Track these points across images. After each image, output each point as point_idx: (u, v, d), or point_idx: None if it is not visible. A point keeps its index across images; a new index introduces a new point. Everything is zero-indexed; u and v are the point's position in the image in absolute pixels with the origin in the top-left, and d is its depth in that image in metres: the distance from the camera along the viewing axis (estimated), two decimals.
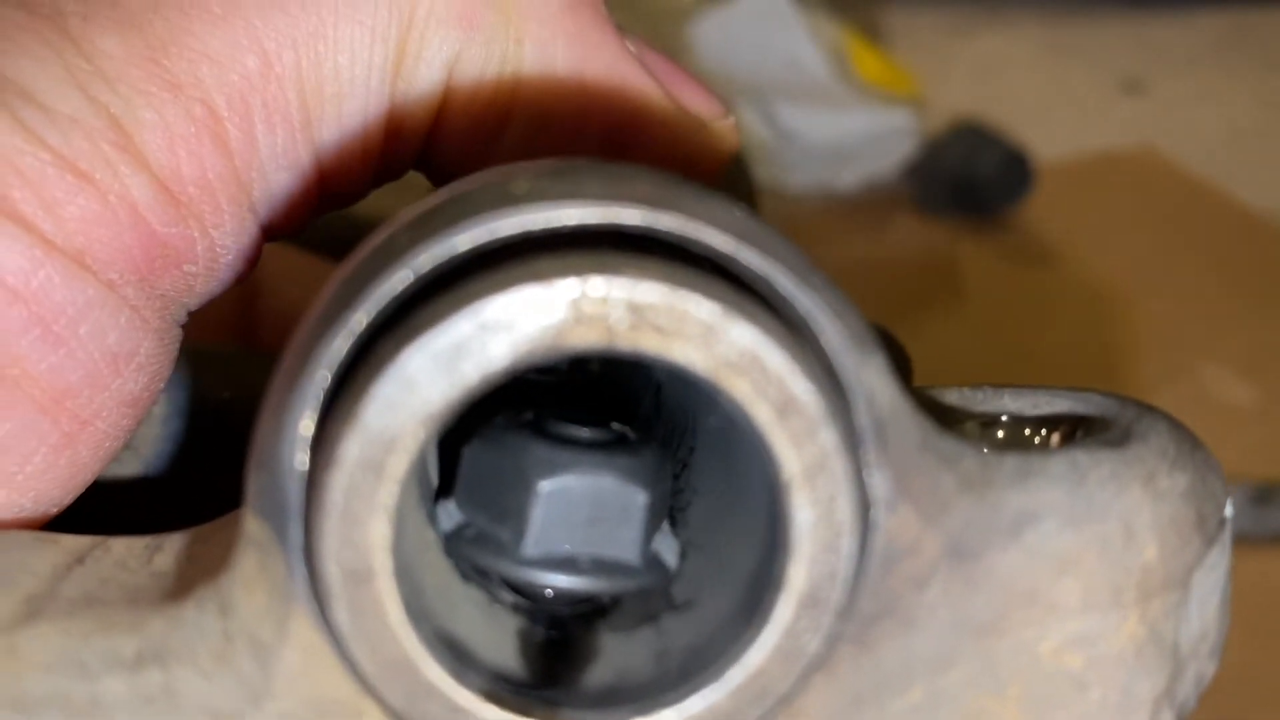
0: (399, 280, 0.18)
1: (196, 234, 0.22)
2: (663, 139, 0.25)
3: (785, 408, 0.17)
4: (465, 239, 0.18)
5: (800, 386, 0.17)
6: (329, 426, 0.18)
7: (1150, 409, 0.21)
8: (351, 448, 0.17)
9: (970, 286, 0.92)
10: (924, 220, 0.98)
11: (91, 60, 0.21)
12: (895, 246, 0.97)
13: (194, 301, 0.23)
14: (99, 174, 0.21)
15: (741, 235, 0.18)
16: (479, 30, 0.23)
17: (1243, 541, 0.83)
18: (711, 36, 1.00)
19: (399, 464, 0.17)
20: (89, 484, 0.22)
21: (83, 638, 0.19)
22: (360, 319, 0.18)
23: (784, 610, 0.18)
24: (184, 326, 0.23)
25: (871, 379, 0.19)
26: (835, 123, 1.00)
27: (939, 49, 1.19)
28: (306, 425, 0.18)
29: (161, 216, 0.21)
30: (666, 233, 0.18)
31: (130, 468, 0.26)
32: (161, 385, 0.23)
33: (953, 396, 0.21)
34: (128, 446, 0.25)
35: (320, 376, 0.18)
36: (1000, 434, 0.21)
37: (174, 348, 0.23)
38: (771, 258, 0.18)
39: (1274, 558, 0.69)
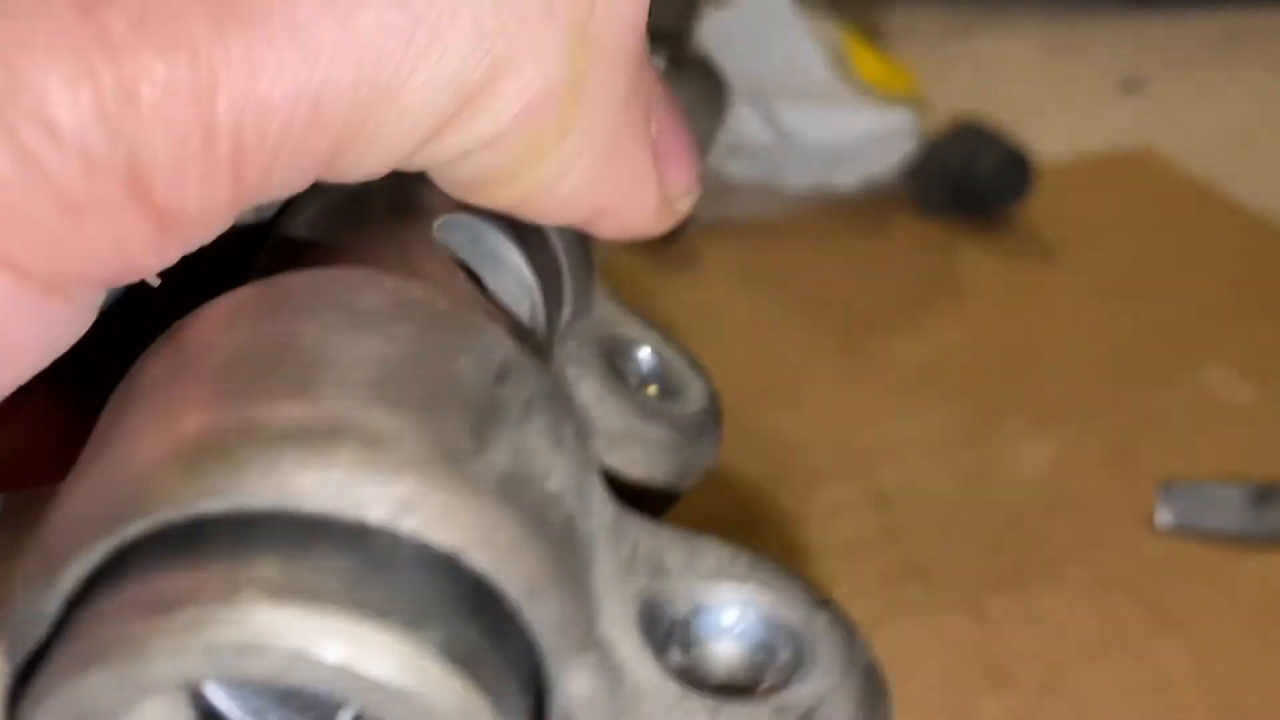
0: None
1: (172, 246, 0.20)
2: (629, 214, 0.24)
3: None
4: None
5: None
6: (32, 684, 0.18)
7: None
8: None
9: (970, 286, 0.92)
10: (924, 220, 0.98)
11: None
12: (895, 246, 0.97)
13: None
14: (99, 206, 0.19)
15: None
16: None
17: (1243, 541, 0.82)
18: (711, 36, 1.00)
19: None
20: None
21: None
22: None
23: None
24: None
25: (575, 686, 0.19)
26: (835, 123, 1.00)
27: (939, 49, 1.19)
28: None
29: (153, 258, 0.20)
30: (405, 534, 0.18)
31: None
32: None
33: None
34: None
35: None
36: None
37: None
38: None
39: (1274, 558, 0.69)
